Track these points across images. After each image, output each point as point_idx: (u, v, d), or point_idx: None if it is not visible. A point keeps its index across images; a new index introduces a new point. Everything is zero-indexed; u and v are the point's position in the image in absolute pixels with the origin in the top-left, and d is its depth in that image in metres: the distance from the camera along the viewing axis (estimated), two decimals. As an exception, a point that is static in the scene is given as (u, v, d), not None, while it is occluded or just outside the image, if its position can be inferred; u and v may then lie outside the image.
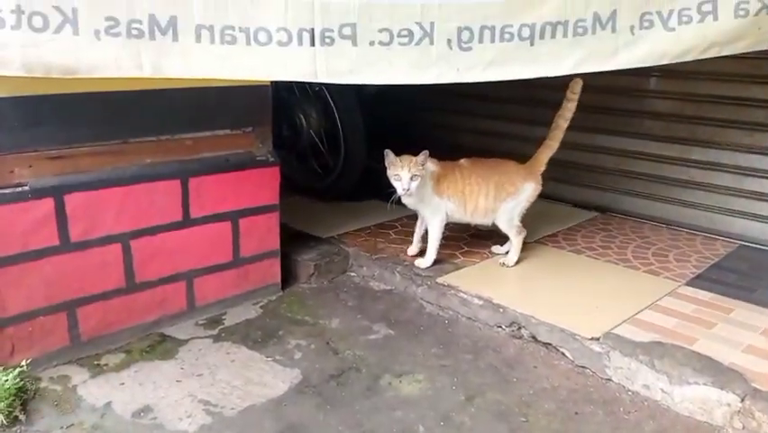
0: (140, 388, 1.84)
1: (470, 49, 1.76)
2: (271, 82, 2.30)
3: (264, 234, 2.40)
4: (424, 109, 3.76)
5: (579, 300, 2.28)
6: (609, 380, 1.93)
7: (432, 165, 2.40)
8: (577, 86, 2.39)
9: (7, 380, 1.70)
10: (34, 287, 1.86)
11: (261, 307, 2.38)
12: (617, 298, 2.29)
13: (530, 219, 2.60)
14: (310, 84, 3.24)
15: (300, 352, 2.07)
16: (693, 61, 2.91)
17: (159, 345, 2.08)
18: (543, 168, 2.52)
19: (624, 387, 1.89)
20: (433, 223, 2.47)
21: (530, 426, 1.72)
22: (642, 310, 2.18)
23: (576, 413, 1.78)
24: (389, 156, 2.30)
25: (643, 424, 1.74)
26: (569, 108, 2.43)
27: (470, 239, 2.85)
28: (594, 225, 3.14)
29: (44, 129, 1.84)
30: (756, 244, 2.85)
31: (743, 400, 1.69)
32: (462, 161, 2.51)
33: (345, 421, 1.72)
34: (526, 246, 2.68)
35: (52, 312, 1.92)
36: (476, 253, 2.71)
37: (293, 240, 2.70)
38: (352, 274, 2.70)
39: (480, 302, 2.26)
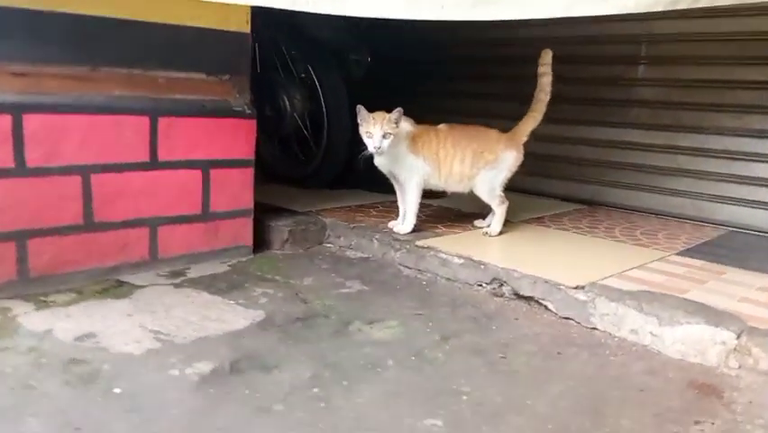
0: (87, 319, 1.70)
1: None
2: (252, 31, 2.25)
3: (237, 190, 2.29)
4: (413, 94, 3.71)
5: (564, 260, 2.17)
6: (595, 328, 1.80)
7: (407, 125, 2.33)
8: (547, 56, 2.37)
9: None
10: (-20, 210, 1.74)
11: (230, 265, 2.24)
12: (603, 259, 2.18)
13: (514, 209, 2.53)
14: (295, 63, 3.20)
15: (266, 298, 1.94)
16: (678, 46, 2.93)
17: (114, 289, 1.94)
18: (525, 138, 2.45)
19: (610, 334, 1.77)
20: (410, 186, 2.38)
21: (508, 361, 1.59)
22: (630, 269, 2.07)
23: (558, 353, 1.65)
24: (361, 112, 2.22)
25: (630, 364, 1.60)
26: (545, 81, 2.40)
27: (454, 218, 2.75)
28: (581, 213, 3.05)
29: (9, 42, 1.75)
30: (747, 229, 2.77)
31: (738, 337, 1.57)
32: (441, 125, 2.43)
33: (308, 354, 1.58)
34: (510, 224, 2.59)
35: (0, 240, 1.78)
36: (458, 225, 2.60)
37: (268, 212, 2.59)
38: (329, 245, 2.58)
39: (461, 261, 2.14)
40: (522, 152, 2.43)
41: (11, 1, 1.72)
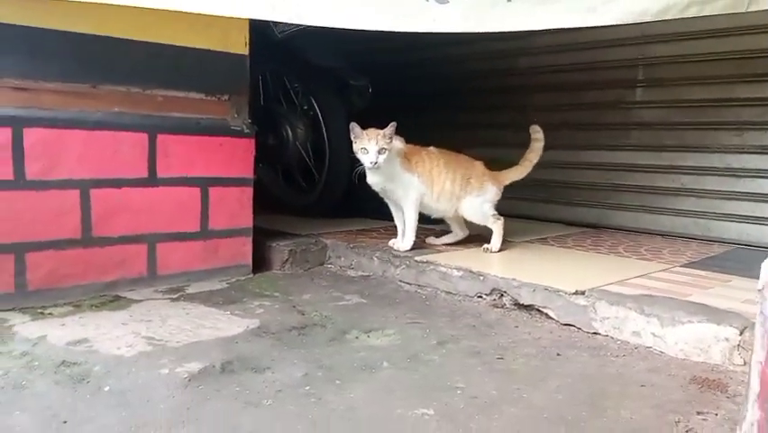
0: (80, 328, 1.69)
1: (446, 2, 1.76)
2: (254, 62, 2.31)
3: (236, 208, 2.31)
4: (415, 125, 3.76)
5: (564, 270, 2.14)
6: (597, 333, 1.76)
7: (399, 143, 2.35)
8: (537, 131, 2.46)
9: None
10: (-19, 222, 1.76)
11: (228, 283, 2.24)
12: (605, 270, 2.15)
13: (517, 231, 2.53)
14: (297, 94, 3.27)
15: (262, 309, 1.92)
16: (676, 68, 2.96)
17: (111, 303, 1.93)
18: (507, 182, 2.48)
19: (612, 337, 1.73)
20: (407, 204, 2.38)
21: (506, 362, 1.55)
22: (632, 278, 2.04)
23: (558, 354, 1.61)
24: (355, 129, 2.25)
25: (632, 364, 1.56)
26: (537, 146, 2.47)
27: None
28: (585, 234, 3.02)
29: (10, 58, 1.81)
30: (755, 246, 2.72)
31: (742, 333, 1.52)
32: (431, 148, 2.46)
33: (302, 357, 1.55)
34: (511, 244, 2.58)
35: (-3, 253, 1.80)
36: (459, 244, 2.59)
37: (269, 235, 2.59)
38: (329, 265, 2.57)
39: (460, 273, 2.12)
40: (501, 190, 2.46)
41: (13, 18, 1.79)
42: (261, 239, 2.45)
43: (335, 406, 1.27)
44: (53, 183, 1.88)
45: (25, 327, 1.68)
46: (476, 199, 2.41)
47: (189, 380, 1.39)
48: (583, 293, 1.82)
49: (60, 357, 1.48)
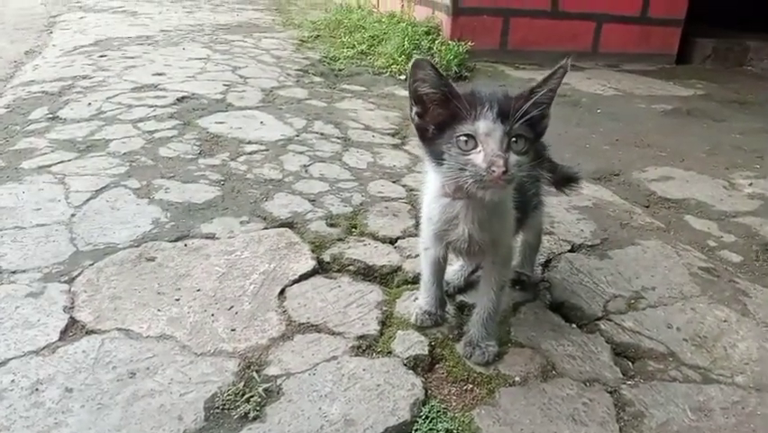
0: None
1: None
2: None
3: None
4: None
5: None
6: None
7: None
8: None
9: (455, 49, 2.11)
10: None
11: (657, 67, 2.47)
12: None
13: None
14: None
15: (700, 86, 2.16)
16: None
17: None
18: None
19: None
20: None
21: None
22: None
23: None
24: None
25: None
26: None
27: None
28: None
29: None
30: None
31: None
32: None
33: (752, 116, 1.76)
34: None
35: (489, 14, 2.30)
36: None
37: (692, 29, 2.69)
38: (749, 67, 2.61)
39: None
40: None
41: None
42: (686, 31, 2.59)
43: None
44: (535, -43, 2.28)
45: (512, 72, 2.19)
46: None
47: (664, 113, 1.73)
48: None
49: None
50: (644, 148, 1.46)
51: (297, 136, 1.40)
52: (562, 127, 1.60)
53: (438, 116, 0.64)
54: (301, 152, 1.30)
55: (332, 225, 0.99)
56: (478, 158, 0.60)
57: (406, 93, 1.81)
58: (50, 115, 1.44)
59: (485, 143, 0.61)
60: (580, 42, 2.45)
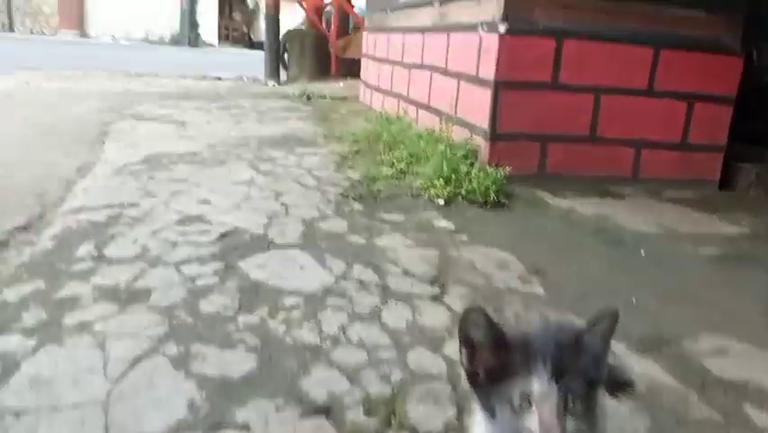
0: (594, 206, 2.12)
1: None
2: None
3: (714, 125, 2.47)
4: None
5: None
6: None
7: None
8: None
9: (493, 175, 2.12)
10: (522, 113, 2.28)
11: (698, 194, 2.43)
12: None
13: None
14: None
15: (744, 221, 2.10)
16: None
17: (604, 194, 2.32)
18: None
19: None
20: None
21: None
22: None
23: None
24: None
25: None
26: None
27: None
28: None
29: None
30: None
31: None
32: None
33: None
34: None
35: (527, 139, 2.31)
36: None
37: (734, 155, 2.67)
38: (797, 194, 2.56)
39: None
40: None
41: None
42: (727, 158, 2.56)
43: None
44: (576, 87, 2.31)
45: (551, 200, 2.17)
46: None
47: (710, 261, 1.68)
48: None
49: (592, 224, 1.92)
50: (695, 306, 1.41)
51: (336, 284, 1.39)
52: (605, 274, 1.57)
53: (488, 362, 0.62)
54: (339, 307, 1.29)
55: (369, 414, 0.96)
56: (533, 424, 0.58)
57: (443, 224, 1.87)
58: (96, 254, 1.46)
59: (539, 406, 0.58)
60: (620, 167, 2.44)
